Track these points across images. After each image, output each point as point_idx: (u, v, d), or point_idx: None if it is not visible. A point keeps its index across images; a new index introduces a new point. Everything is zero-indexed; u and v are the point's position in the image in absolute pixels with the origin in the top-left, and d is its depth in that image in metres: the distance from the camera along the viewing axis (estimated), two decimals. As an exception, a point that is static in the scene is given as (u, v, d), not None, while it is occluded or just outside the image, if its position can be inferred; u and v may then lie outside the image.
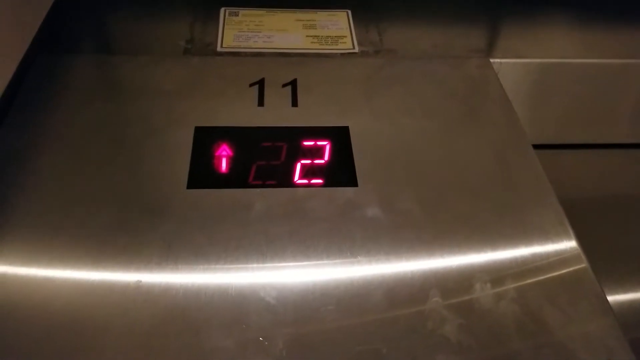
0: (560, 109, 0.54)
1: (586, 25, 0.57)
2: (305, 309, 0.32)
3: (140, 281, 0.32)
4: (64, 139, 0.40)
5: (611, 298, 0.34)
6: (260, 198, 0.37)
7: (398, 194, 0.38)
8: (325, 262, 0.34)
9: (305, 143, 0.41)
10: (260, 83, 0.46)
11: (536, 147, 0.42)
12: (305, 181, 0.39)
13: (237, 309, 0.31)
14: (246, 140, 0.41)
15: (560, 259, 0.35)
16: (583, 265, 0.35)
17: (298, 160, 0.40)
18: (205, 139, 0.41)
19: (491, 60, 0.50)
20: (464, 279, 0.34)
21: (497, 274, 0.34)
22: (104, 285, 0.32)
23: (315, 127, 0.42)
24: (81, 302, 0.31)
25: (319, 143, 0.41)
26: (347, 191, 0.38)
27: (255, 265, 0.34)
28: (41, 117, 0.42)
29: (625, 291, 0.45)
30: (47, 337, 0.30)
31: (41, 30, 0.48)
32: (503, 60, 0.50)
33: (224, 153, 0.40)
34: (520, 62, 0.51)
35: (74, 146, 0.40)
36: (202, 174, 0.38)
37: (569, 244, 0.36)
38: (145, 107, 0.43)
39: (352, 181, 0.39)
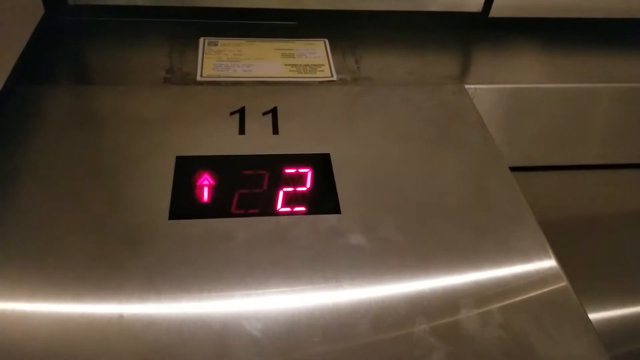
0: (533, 132, 0.56)
1: (554, 52, 0.59)
2: (291, 340, 0.31)
3: (123, 315, 0.31)
4: (43, 170, 0.39)
5: (591, 316, 0.35)
6: (243, 227, 0.37)
7: (381, 220, 0.38)
8: (310, 291, 0.34)
9: (287, 171, 0.41)
10: (241, 111, 0.46)
11: (511, 169, 0.44)
12: (288, 209, 0.38)
13: (221, 343, 0.31)
14: (228, 168, 0.41)
15: (542, 280, 0.36)
16: (564, 284, 0.35)
17: (280, 188, 0.40)
18: (187, 168, 0.40)
19: (466, 86, 0.52)
20: (450, 304, 0.34)
21: (481, 298, 0.34)
22: (84, 319, 0.31)
23: (296, 155, 0.42)
24: (62, 337, 0.30)
25: (301, 170, 0.41)
26: (331, 218, 0.38)
27: (238, 296, 0.33)
28: (20, 148, 0.41)
29: (605, 309, 0.46)
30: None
31: (20, 61, 0.47)
32: (477, 86, 0.52)
33: (206, 182, 0.40)
34: (493, 88, 0.53)
35: (54, 177, 0.39)
36: (184, 205, 0.38)
37: (549, 264, 0.36)
38: (125, 137, 0.43)
39: (335, 208, 0.39)
